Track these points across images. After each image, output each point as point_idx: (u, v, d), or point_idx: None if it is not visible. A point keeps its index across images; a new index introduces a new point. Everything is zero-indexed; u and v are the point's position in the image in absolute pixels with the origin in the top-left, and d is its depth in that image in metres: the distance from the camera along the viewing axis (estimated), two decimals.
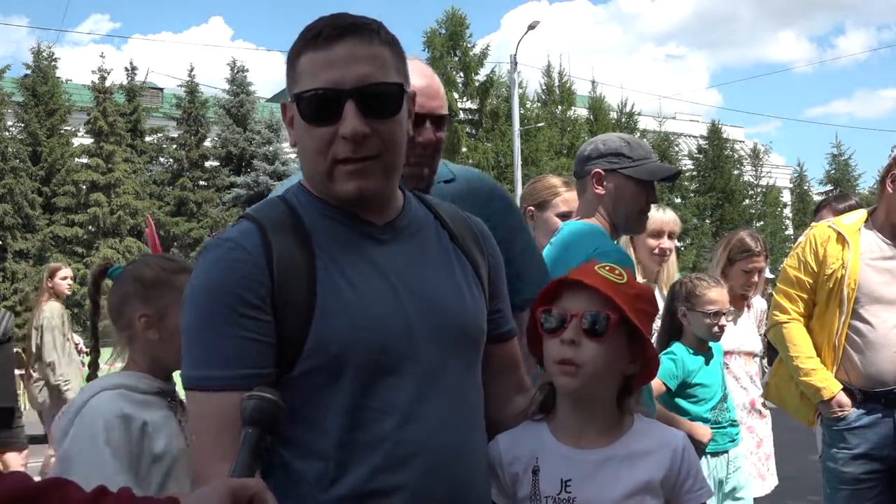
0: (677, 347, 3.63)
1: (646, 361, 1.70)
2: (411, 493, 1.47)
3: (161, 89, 31.88)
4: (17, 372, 7.11)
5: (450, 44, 28.22)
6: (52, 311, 6.98)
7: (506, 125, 28.01)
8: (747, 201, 36.53)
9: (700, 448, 3.44)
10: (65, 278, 7.21)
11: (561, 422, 1.69)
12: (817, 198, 35.07)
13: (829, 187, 36.88)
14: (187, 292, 1.52)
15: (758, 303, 4.45)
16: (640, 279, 3.82)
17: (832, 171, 38.83)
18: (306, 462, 1.47)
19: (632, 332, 1.64)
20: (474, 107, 28.85)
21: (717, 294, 3.63)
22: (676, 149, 34.46)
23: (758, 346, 4.34)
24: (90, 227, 24.56)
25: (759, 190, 37.36)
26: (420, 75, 2.18)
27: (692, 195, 34.16)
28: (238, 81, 27.94)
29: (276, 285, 1.47)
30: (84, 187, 24.93)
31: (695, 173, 34.65)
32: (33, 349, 7.05)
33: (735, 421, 3.75)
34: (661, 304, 3.70)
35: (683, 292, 3.66)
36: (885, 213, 3.48)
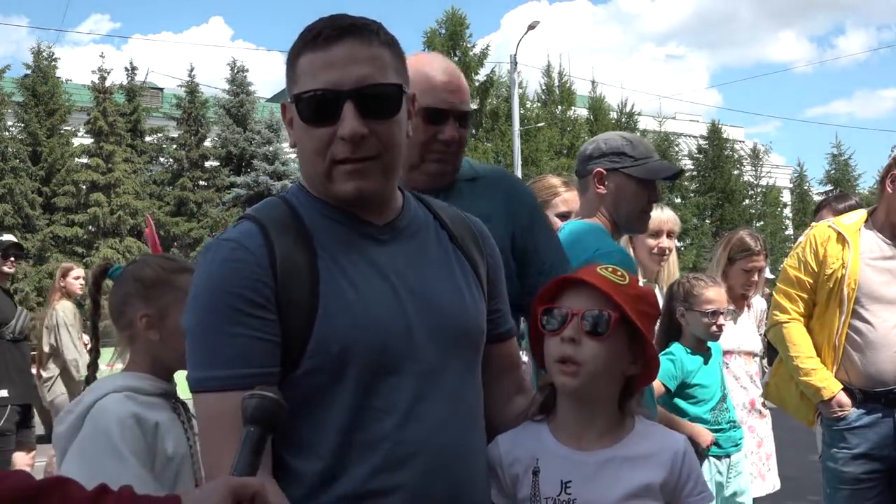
0: (676, 348, 3.63)
1: (646, 362, 1.69)
2: (410, 493, 1.47)
3: (161, 89, 31.88)
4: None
5: (450, 44, 28.22)
6: (65, 310, 7.01)
7: (506, 125, 28.02)
8: (747, 201, 36.53)
9: (700, 452, 3.43)
10: (77, 278, 7.26)
11: (561, 423, 1.69)
12: (817, 198, 35.07)
13: (829, 187, 36.87)
14: (190, 294, 1.51)
15: (758, 303, 4.46)
16: (640, 279, 3.81)
17: (832, 171, 38.83)
18: (306, 461, 1.47)
19: (633, 332, 1.64)
20: (474, 107, 28.82)
21: (714, 293, 3.63)
22: (676, 149, 34.46)
23: (758, 346, 4.34)
24: (90, 227, 24.55)
25: (759, 190, 37.35)
26: (443, 71, 2.18)
27: (692, 195, 34.16)
28: (238, 81, 27.93)
29: (280, 285, 1.47)
30: (84, 187, 24.92)
31: (695, 173, 34.65)
32: (45, 349, 7.07)
33: (735, 423, 3.74)
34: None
35: (681, 292, 3.66)
36: (885, 213, 3.48)
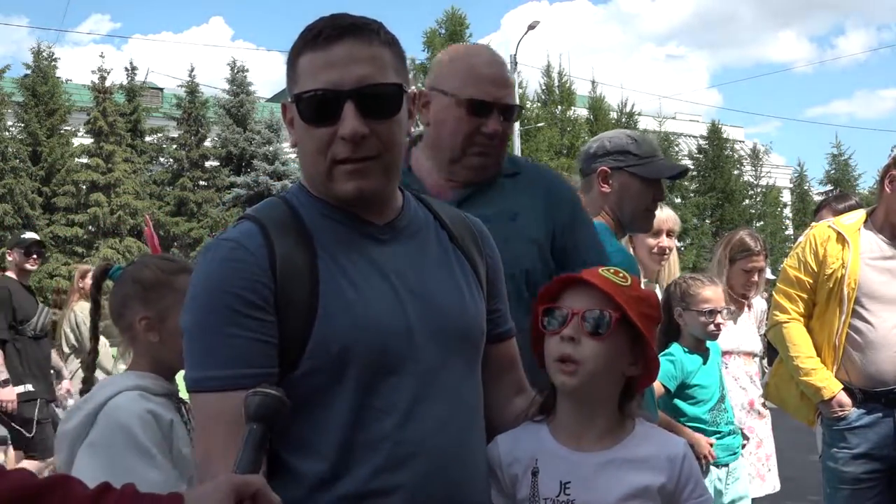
0: (675, 348, 3.63)
1: (646, 364, 1.69)
2: (410, 493, 1.47)
3: (161, 89, 31.88)
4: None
5: (449, 44, 28.16)
6: (84, 311, 7.05)
7: None
8: (747, 201, 36.52)
9: (699, 460, 3.42)
10: None
11: (561, 423, 1.69)
12: (817, 198, 35.06)
13: (829, 187, 36.85)
14: (188, 293, 1.51)
15: (758, 303, 4.46)
16: (641, 279, 3.81)
17: (832, 171, 38.81)
18: (307, 461, 1.47)
19: (634, 334, 1.64)
20: None
21: (711, 293, 3.64)
22: (676, 149, 34.45)
23: (757, 347, 4.34)
24: (90, 227, 24.54)
25: (759, 190, 37.35)
26: (489, 64, 2.17)
27: (692, 195, 34.15)
28: (238, 81, 27.92)
29: (279, 286, 1.47)
30: (84, 187, 24.92)
31: (695, 173, 34.63)
32: (66, 349, 7.10)
33: (734, 427, 3.74)
34: None
35: (678, 292, 3.66)
36: (884, 214, 3.49)
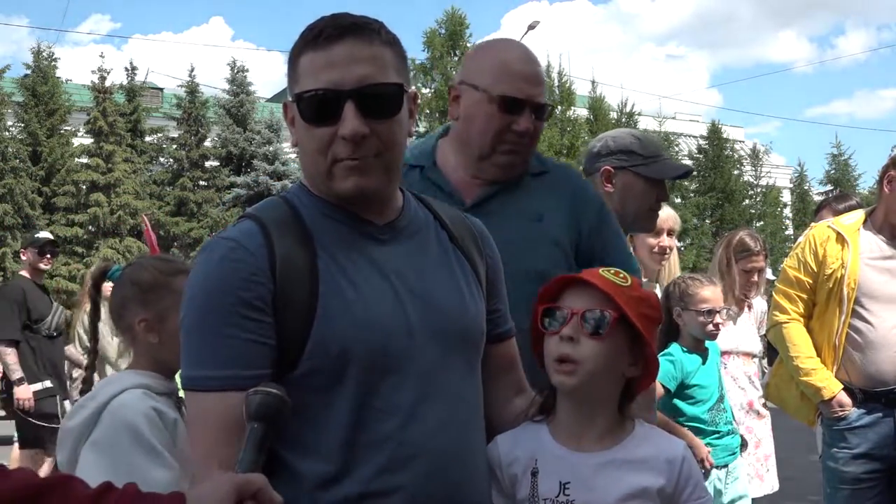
0: (674, 348, 3.63)
1: (646, 364, 1.69)
2: (411, 494, 1.47)
3: (161, 89, 31.87)
4: None
5: (449, 44, 28.17)
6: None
7: None
8: (747, 201, 36.49)
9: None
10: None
11: (561, 423, 1.69)
12: (817, 198, 35.06)
13: (829, 187, 36.83)
14: (186, 292, 1.51)
15: (758, 303, 4.46)
16: (642, 279, 3.81)
17: (832, 171, 38.79)
18: (308, 461, 1.47)
19: (633, 334, 1.64)
20: None
21: (710, 292, 3.64)
22: (676, 149, 34.43)
23: (757, 347, 4.34)
24: (90, 227, 24.53)
25: (759, 190, 37.33)
26: (522, 60, 2.14)
27: (692, 195, 34.12)
28: (238, 81, 27.91)
29: (279, 286, 1.47)
30: (84, 187, 24.91)
31: (695, 173, 34.59)
32: (80, 350, 7.12)
33: (733, 429, 3.74)
34: None
35: (677, 292, 3.66)
36: (883, 214, 3.49)
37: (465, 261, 1.68)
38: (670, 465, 1.65)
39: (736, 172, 35.96)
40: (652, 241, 3.98)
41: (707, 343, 3.69)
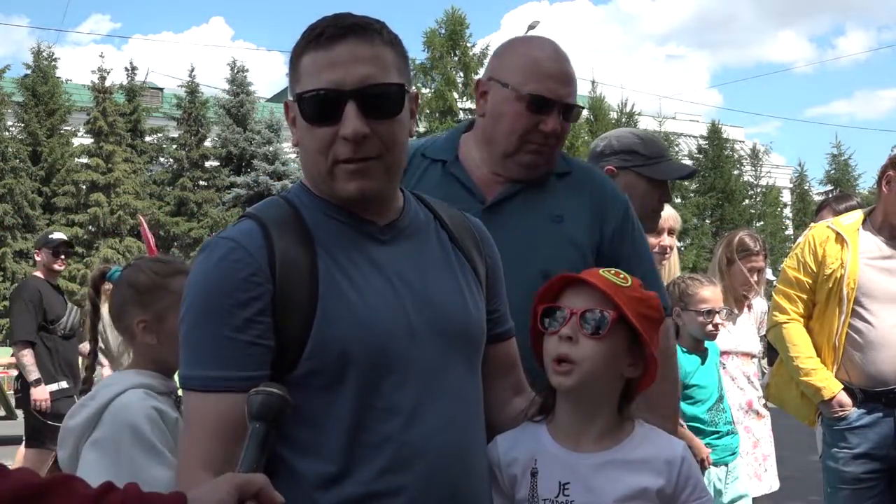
0: None
1: (646, 365, 1.68)
2: (412, 495, 1.47)
3: (161, 89, 31.89)
4: None
5: (449, 44, 28.19)
6: (107, 312, 7.09)
7: None
8: (747, 201, 36.51)
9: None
10: None
11: (560, 424, 1.69)
12: (817, 198, 35.06)
13: (829, 187, 36.84)
14: (185, 291, 1.52)
15: (758, 304, 4.45)
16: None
17: (832, 171, 38.79)
18: (309, 462, 1.47)
19: (633, 334, 1.63)
20: (474, 107, 28.82)
21: (709, 293, 3.64)
22: (676, 149, 34.43)
23: (756, 347, 4.33)
24: (90, 227, 24.56)
25: (759, 190, 37.34)
26: (553, 59, 2.09)
27: (692, 195, 34.13)
28: (238, 81, 27.94)
29: (278, 287, 1.47)
30: (84, 187, 24.94)
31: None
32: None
33: (733, 429, 3.74)
34: None
35: (676, 292, 3.66)
36: (882, 214, 3.49)
37: (466, 261, 1.68)
38: (669, 465, 1.65)
39: (736, 172, 35.98)
40: (652, 240, 3.97)
41: (706, 343, 3.69)
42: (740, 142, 39.43)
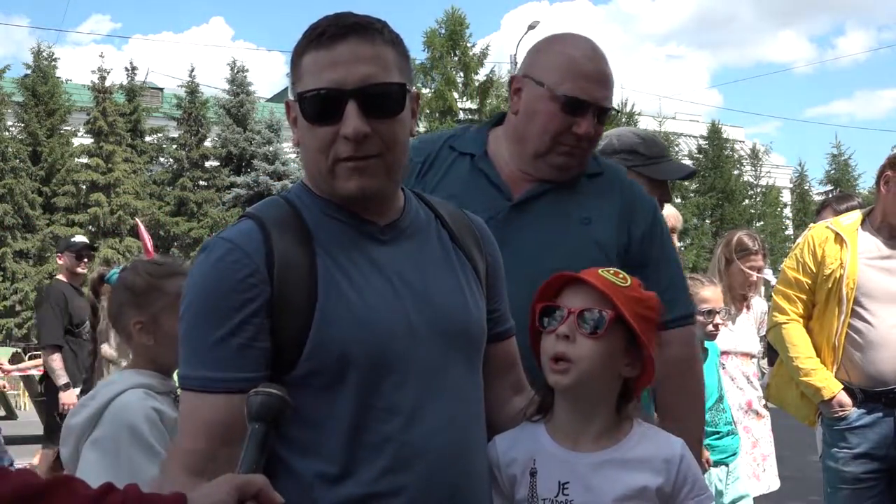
0: None
1: (643, 365, 1.68)
2: (413, 495, 1.47)
3: (161, 89, 31.88)
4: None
5: (449, 44, 28.19)
6: None
7: None
8: (747, 201, 36.52)
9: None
10: None
11: (558, 423, 1.69)
12: (817, 198, 35.07)
13: (829, 187, 36.85)
14: (185, 291, 1.52)
15: (758, 304, 4.46)
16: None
17: (832, 171, 38.80)
18: (309, 462, 1.47)
19: (631, 334, 1.63)
20: (474, 107, 28.83)
21: (710, 292, 3.64)
22: (676, 149, 34.44)
23: (755, 347, 4.34)
24: (90, 227, 24.54)
25: (759, 190, 37.35)
26: (592, 59, 2.05)
27: (692, 195, 34.13)
28: (238, 81, 27.93)
29: (276, 288, 1.47)
30: (84, 187, 24.95)
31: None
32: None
33: (733, 429, 3.74)
34: None
35: None
36: (881, 214, 3.49)
37: (466, 260, 1.68)
38: (668, 464, 1.65)
39: (736, 172, 35.98)
40: None
41: (706, 343, 3.69)
42: (740, 142, 39.43)
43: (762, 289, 4.52)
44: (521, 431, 1.71)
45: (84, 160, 25.32)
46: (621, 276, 1.67)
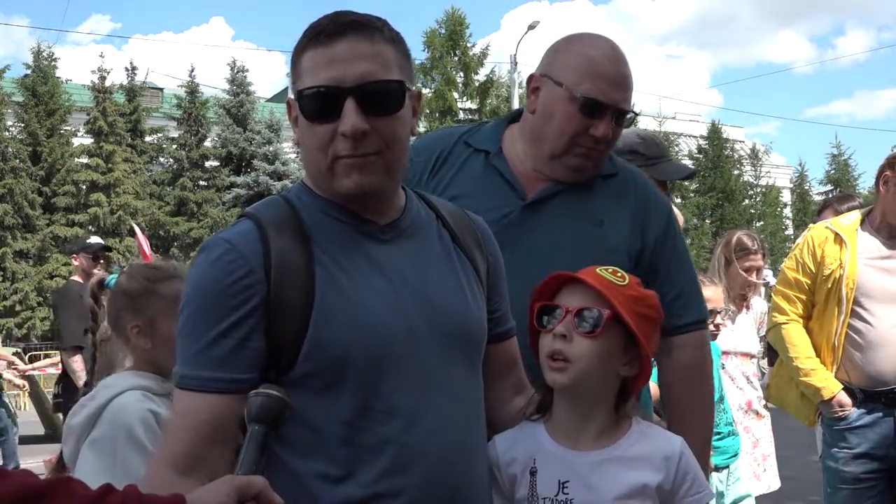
0: None
1: (641, 364, 1.68)
2: (414, 496, 1.47)
3: (161, 89, 31.89)
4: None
5: (449, 44, 28.18)
6: None
7: None
8: (747, 201, 36.53)
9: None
10: None
11: (558, 422, 1.69)
12: (817, 198, 35.08)
13: (829, 187, 36.86)
14: (185, 290, 1.52)
15: (758, 304, 4.46)
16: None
17: (832, 171, 38.81)
18: (309, 463, 1.47)
19: (629, 333, 1.63)
20: (474, 107, 28.83)
21: (710, 293, 3.63)
22: (676, 149, 34.44)
23: (755, 347, 4.34)
24: (90, 227, 24.53)
25: (759, 190, 37.36)
26: (612, 61, 2.03)
27: (692, 195, 34.14)
28: (238, 81, 27.93)
29: (273, 289, 1.46)
30: (84, 187, 24.95)
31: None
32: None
33: (733, 428, 3.74)
34: None
35: None
36: (880, 214, 3.49)
37: (467, 260, 1.67)
38: (667, 462, 1.65)
39: (736, 172, 35.98)
40: None
41: None
42: (740, 142, 39.44)
43: (762, 290, 4.51)
44: (521, 431, 1.71)
45: (84, 160, 25.32)
46: (619, 274, 1.67)
